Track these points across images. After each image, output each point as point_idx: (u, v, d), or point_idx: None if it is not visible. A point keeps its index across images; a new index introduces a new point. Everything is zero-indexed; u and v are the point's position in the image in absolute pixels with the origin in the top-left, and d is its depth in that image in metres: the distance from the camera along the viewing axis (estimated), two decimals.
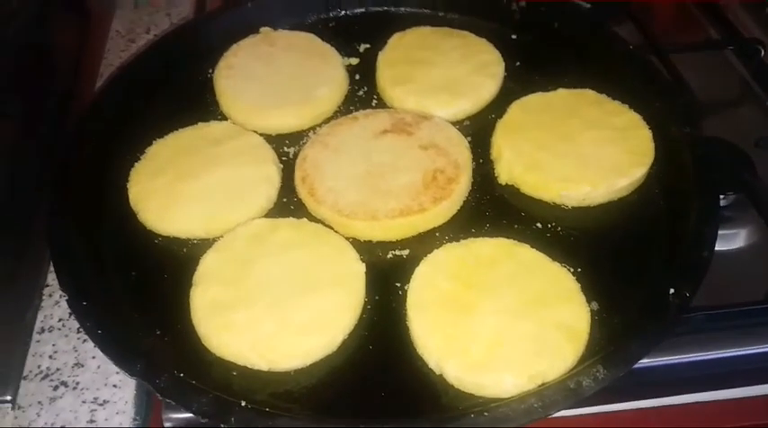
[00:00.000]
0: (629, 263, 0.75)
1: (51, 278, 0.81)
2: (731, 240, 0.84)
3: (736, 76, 1.07)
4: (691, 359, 0.73)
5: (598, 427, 0.73)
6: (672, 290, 0.66)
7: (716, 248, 0.71)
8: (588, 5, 1.10)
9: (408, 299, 0.70)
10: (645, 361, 0.67)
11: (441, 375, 0.66)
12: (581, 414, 0.73)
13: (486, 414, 0.59)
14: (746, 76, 1.06)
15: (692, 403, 0.74)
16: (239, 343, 0.66)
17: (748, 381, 0.74)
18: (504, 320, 0.67)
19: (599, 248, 0.76)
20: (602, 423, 0.73)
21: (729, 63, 1.08)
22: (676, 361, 0.73)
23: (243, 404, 0.61)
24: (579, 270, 0.73)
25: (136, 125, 0.90)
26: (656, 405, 0.76)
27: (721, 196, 0.82)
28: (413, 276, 0.72)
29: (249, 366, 0.67)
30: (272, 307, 0.69)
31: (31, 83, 0.93)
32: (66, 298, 0.70)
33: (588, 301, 0.69)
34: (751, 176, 0.87)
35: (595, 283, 0.71)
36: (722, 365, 0.73)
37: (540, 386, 0.63)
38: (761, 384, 0.73)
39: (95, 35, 1.12)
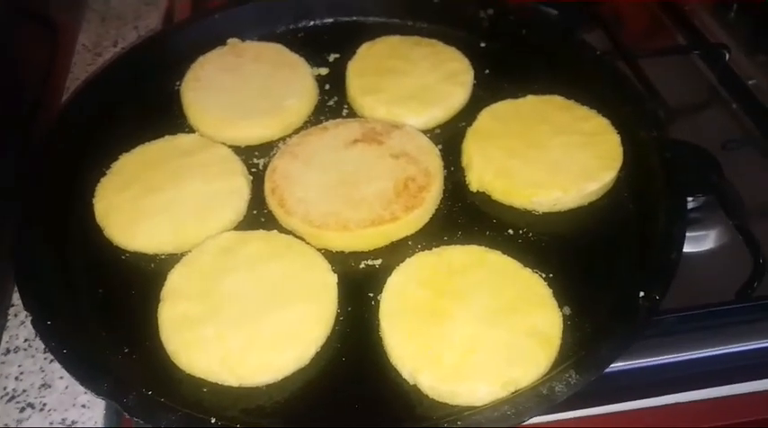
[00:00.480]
0: (599, 267, 0.75)
1: (16, 297, 0.79)
2: (700, 242, 0.85)
3: (702, 81, 1.08)
4: (662, 361, 0.73)
5: None
6: (642, 293, 0.67)
7: (685, 250, 0.71)
8: (556, 13, 1.11)
9: (381, 309, 0.70)
10: (616, 365, 0.67)
11: (415, 385, 0.65)
12: (555, 420, 0.73)
13: (459, 422, 0.59)
14: (713, 80, 1.08)
15: (665, 405, 0.74)
16: (208, 359, 0.65)
17: (720, 382, 0.74)
18: (476, 328, 0.67)
19: (570, 253, 0.77)
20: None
21: (696, 68, 1.10)
22: (647, 364, 0.73)
23: (213, 421, 0.60)
24: (551, 275, 0.73)
25: (102, 139, 0.89)
26: (629, 409, 0.76)
27: (690, 198, 0.83)
28: (385, 286, 0.71)
29: (219, 382, 0.66)
30: (241, 322, 0.68)
31: None
32: (31, 318, 0.68)
33: (560, 306, 0.69)
34: (719, 178, 0.88)
35: (567, 288, 0.72)
36: (693, 366, 0.74)
37: (513, 393, 0.62)
38: (732, 384, 0.74)
39: (62, 49, 1.11)
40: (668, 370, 0.74)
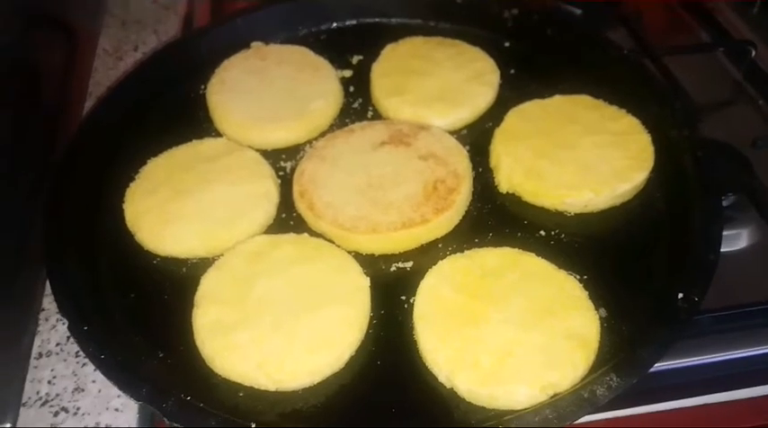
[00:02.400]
0: (634, 269, 0.74)
1: (47, 301, 0.79)
2: (733, 241, 0.84)
3: (728, 78, 1.07)
4: (697, 362, 0.73)
5: None
6: (680, 295, 0.66)
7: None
8: (580, 11, 1.10)
9: (415, 312, 0.69)
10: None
11: (451, 388, 0.65)
12: (589, 421, 0.72)
13: (500, 427, 0.58)
14: (738, 77, 1.07)
15: (701, 405, 0.74)
16: (245, 363, 0.65)
17: (757, 382, 0.73)
18: (513, 330, 0.66)
19: (603, 254, 0.76)
20: None
21: (721, 65, 1.09)
22: (683, 365, 0.72)
23: (253, 426, 0.60)
24: (585, 277, 0.72)
25: (129, 145, 0.89)
26: (664, 409, 0.75)
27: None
28: (418, 289, 0.71)
29: (255, 386, 0.65)
30: (276, 326, 0.67)
31: (16, 102, 0.91)
32: (66, 323, 0.68)
33: (596, 308, 0.69)
34: (750, 177, 0.87)
35: (602, 290, 0.71)
36: (730, 367, 0.73)
37: (552, 396, 0.62)
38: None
39: (82, 54, 1.11)
40: (704, 370, 0.73)
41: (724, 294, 0.76)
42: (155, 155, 0.86)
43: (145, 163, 0.85)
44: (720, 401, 0.73)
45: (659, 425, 0.71)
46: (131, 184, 0.83)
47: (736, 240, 0.84)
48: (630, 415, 0.72)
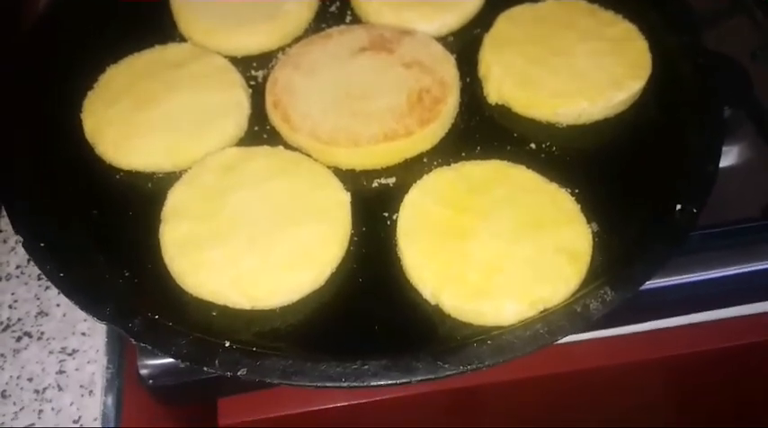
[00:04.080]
0: (628, 182, 0.71)
1: (4, 223, 0.74)
2: (727, 157, 0.81)
3: None
4: (688, 279, 0.71)
5: (598, 352, 0.71)
6: (678, 207, 0.63)
7: None
8: None
9: (399, 228, 0.66)
10: None
11: (436, 305, 0.62)
12: (579, 341, 0.70)
13: (489, 342, 0.56)
14: None
15: (690, 324, 0.73)
16: (218, 280, 0.61)
17: (748, 299, 0.72)
18: (501, 245, 0.63)
19: (596, 167, 0.72)
20: (601, 348, 0.71)
21: None
22: (675, 282, 0.71)
23: (227, 344, 0.57)
24: (577, 191, 0.69)
25: (87, 50, 0.81)
26: (653, 328, 0.74)
27: None
28: (402, 203, 0.67)
29: (230, 305, 0.62)
30: (252, 242, 0.63)
31: None
32: (22, 241, 0.64)
33: (588, 222, 0.66)
34: (748, 91, 0.83)
35: (594, 204, 0.67)
36: (721, 284, 0.71)
37: (542, 311, 0.59)
38: (763, 301, 0.71)
39: None
40: (694, 288, 0.71)
41: (715, 211, 0.73)
42: (115, 62, 0.79)
43: (104, 70, 0.79)
44: (712, 319, 0.72)
45: (649, 344, 0.70)
46: (89, 93, 0.77)
47: (729, 156, 0.81)
48: (621, 335, 0.71)
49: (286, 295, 0.62)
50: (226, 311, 0.62)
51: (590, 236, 0.64)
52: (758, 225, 0.74)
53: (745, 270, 0.71)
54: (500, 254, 0.63)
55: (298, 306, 0.63)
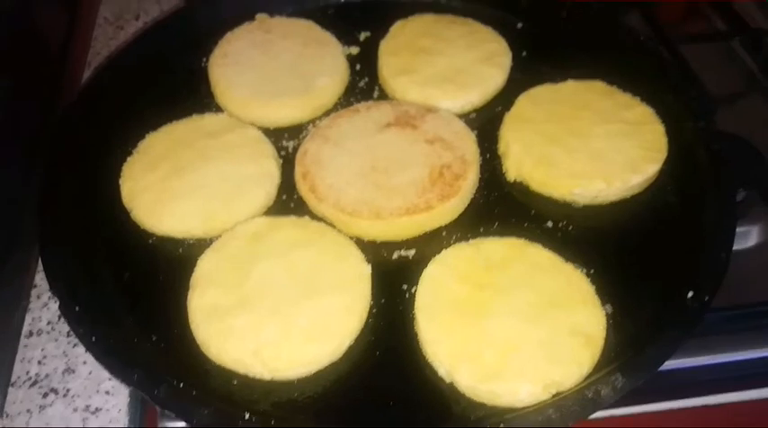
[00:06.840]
0: (642, 264, 0.72)
1: (39, 278, 0.78)
2: (742, 238, 0.82)
3: (743, 68, 1.04)
4: (704, 362, 0.71)
5: None
6: (690, 293, 0.64)
7: None
8: None
9: (417, 303, 0.67)
10: None
11: (451, 383, 0.63)
12: (592, 418, 0.71)
13: (502, 425, 0.57)
14: (753, 68, 1.04)
15: (707, 405, 0.72)
16: (240, 350, 0.63)
17: (765, 383, 0.72)
18: (517, 324, 0.64)
19: (612, 248, 0.74)
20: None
21: (736, 54, 1.06)
22: (689, 365, 0.71)
23: (246, 416, 0.58)
24: (592, 271, 0.70)
25: (127, 118, 0.86)
26: (668, 409, 0.74)
27: None
28: (421, 278, 0.69)
29: (250, 374, 0.64)
30: (274, 312, 0.66)
31: (15, 71, 0.88)
32: (58, 303, 0.66)
33: (602, 304, 0.67)
34: (762, 172, 0.84)
35: (609, 285, 0.69)
36: (737, 367, 0.72)
37: (554, 395, 0.60)
38: None
39: (82, 22, 1.08)
40: (709, 371, 0.71)
41: (731, 292, 0.74)
42: (154, 129, 0.83)
43: (143, 137, 0.83)
44: (727, 402, 0.72)
45: (663, 425, 0.70)
46: (129, 159, 0.80)
47: (745, 237, 0.82)
48: (633, 414, 0.71)
49: (305, 367, 0.64)
50: (246, 380, 0.64)
51: (604, 320, 0.65)
52: None
53: (760, 354, 0.71)
54: (515, 334, 0.64)
55: (316, 377, 0.64)
